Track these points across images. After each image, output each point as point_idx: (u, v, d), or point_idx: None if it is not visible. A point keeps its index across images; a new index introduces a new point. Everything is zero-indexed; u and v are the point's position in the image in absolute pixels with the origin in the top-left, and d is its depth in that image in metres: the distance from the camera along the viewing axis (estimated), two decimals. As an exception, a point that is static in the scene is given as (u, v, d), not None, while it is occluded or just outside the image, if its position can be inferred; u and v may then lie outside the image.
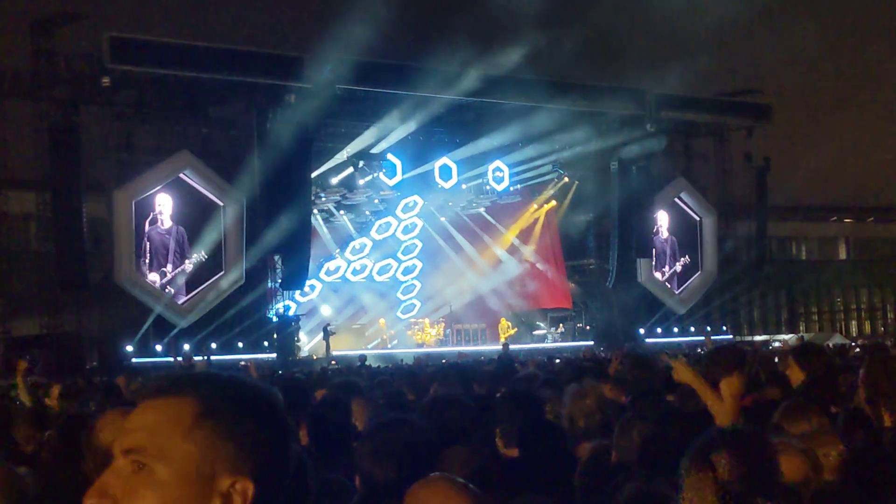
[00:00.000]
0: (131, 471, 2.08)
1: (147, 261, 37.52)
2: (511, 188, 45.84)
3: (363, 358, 30.28)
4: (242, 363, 28.53)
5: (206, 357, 26.49)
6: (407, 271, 46.71)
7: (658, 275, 49.85)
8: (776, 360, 15.94)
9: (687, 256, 50.98)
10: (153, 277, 37.55)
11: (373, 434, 4.61)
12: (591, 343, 42.95)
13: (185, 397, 2.14)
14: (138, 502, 2.05)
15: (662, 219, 50.61)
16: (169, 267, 37.99)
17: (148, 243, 37.65)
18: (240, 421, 2.13)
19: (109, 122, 38.02)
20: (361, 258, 45.23)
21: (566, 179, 48.23)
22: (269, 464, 2.15)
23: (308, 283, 41.29)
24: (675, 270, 50.69)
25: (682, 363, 7.02)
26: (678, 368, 6.90)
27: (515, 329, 46.94)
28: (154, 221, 37.81)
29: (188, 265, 38.19)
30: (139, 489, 2.06)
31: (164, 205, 37.97)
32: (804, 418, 5.43)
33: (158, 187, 37.64)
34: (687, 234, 51.26)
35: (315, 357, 39.28)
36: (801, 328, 63.71)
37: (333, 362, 35.03)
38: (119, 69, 35.08)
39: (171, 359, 32.17)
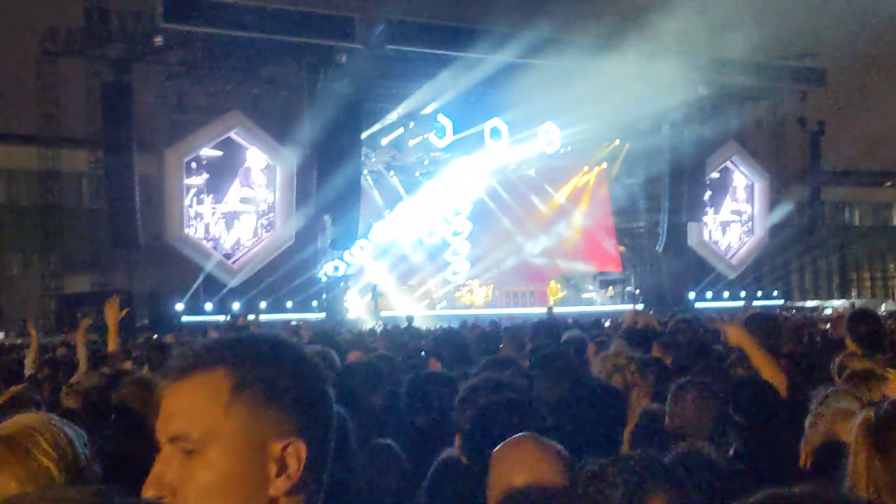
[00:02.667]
0: (182, 458, 2.05)
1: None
2: (562, 150, 45.56)
3: (410, 318, 30.30)
4: (293, 323, 28.66)
5: (256, 315, 26.59)
6: (456, 233, 46.59)
7: (709, 231, 49.77)
8: (827, 326, 15.59)
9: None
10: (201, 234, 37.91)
11: (477, 394, 4.62)
12: (641, 306, 42.79)
13: (215, 371, 2.09)
14: (196, 486, 2.03)
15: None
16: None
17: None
18: (276, 383, 2.08)
19: (161, 81, 38.21)
20: (411, 220, 45.16)
21: (617, 142, 47.96)
22: (314, 421, 2.12)
23: (357, 243, 41.35)
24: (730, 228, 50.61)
25: (736, 326, 6.98)
26: (732, 332, 6.86)
27: (565, 292, 46.91)
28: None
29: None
30: (194, 473, 2.03)
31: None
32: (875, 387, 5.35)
33: (210, 146, 37.84)
34: (740, 198, 51.00)
35: (363, 318, 39.39)
36: (852, 294, 63.22)
37: (379, 323, 35.14)
38: (171, 28, 35.15)
39: (222, 317, 32.36)
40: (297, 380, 2.12)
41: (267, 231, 39.04)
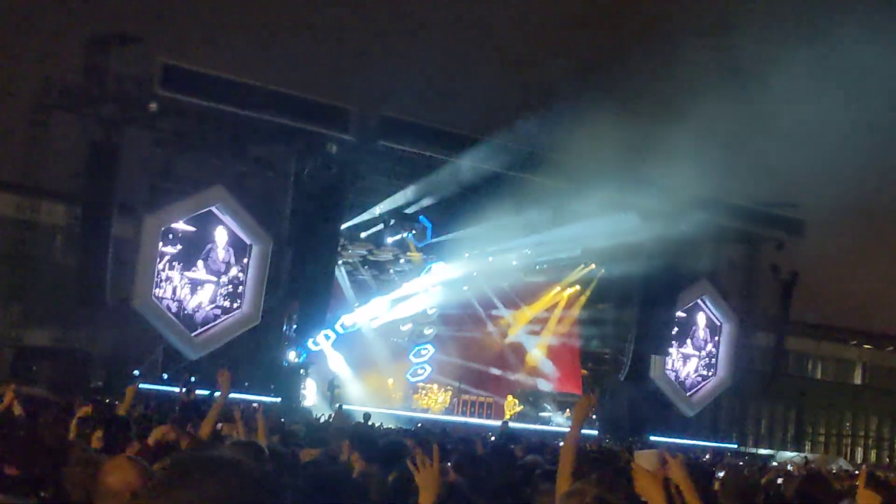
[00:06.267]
0: None
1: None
2: (537, 267, 45.79)
3: (367, 416, 30.09)
4: (255, 405, 28.38)
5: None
6: (422, 335, 46.58)
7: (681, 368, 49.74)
8: (779, 481, 14.68)
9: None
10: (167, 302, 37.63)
11: None
12: (595, 433, 42.73)
13: None
14: None
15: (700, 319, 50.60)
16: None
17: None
18: None
19: (150, 146, 38.12)
20: (379, 316, 45.13)
21: (592, 266, 48.20)
22: None
23: (322, 332, 41.23)
24: (696, 369, 50.52)
25: (679, 464, 6.93)
26: (674, 468, 6.81)
27: (521, 407, 46.73)
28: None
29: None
30: None
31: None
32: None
33: (188, 217, 37.68)
34: (705, 338, 51.12)
35: (318, 406, 39.11)
36: (806, 447, 63.18)
37: (330, 415, 34.88)
38: (167, 96, 35.31)
39: (177, 389, 32.06)
40: None
41: (225, 300, 38.66)
